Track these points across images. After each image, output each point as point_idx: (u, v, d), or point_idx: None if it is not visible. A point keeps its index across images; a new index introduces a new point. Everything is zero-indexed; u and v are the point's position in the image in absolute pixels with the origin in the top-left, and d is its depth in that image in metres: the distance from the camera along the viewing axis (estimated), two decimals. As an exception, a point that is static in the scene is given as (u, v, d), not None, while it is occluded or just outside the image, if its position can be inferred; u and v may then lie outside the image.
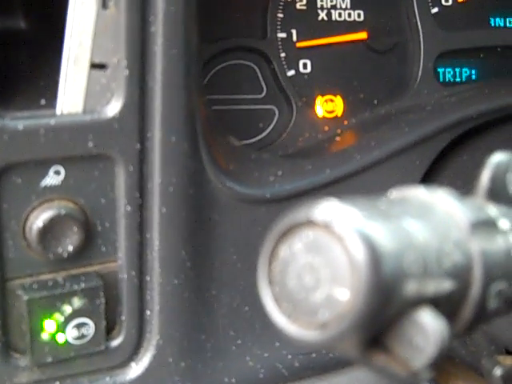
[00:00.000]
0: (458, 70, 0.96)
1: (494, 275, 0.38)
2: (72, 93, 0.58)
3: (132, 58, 0.58)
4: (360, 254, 0.33)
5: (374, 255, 0.33)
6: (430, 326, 0.34)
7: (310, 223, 0.34)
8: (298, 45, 0.89)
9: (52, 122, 0.57)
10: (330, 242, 0.33)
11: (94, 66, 0.58)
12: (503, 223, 0.41)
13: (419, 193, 0.39)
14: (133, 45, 0.58)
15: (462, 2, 0.95)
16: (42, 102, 0.59)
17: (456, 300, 0.37)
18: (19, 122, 0.56)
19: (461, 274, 0.36)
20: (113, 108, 0.59)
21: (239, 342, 0.73)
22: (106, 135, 0.59)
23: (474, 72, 0.97)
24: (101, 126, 0.59)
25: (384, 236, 0.33)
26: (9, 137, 0.56)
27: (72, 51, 0.57)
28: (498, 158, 0.44)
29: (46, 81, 0.62)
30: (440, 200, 0.38)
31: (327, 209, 0.34)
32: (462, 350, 0.80)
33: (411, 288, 0.34)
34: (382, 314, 0.34)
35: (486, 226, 0.39)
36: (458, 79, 0.96)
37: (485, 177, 0.44)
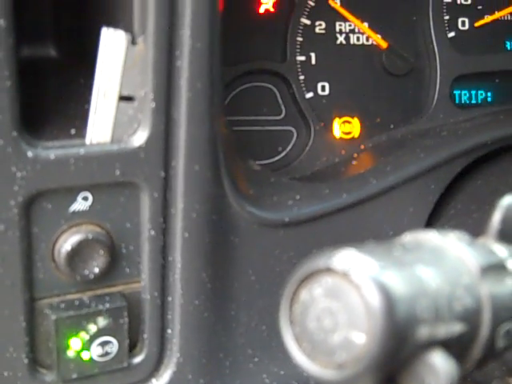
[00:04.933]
0: (473, 92, 0.98)
1: (502, 316, 0.40)
2: (101, 124, 0.61)
3: (158, 91, 0.61)
4: (376, 302, 0.35)
5: (389, 302, 0.35)
6: (441, 368, 0.37)
7: (329, 270, 0.36)
8: (317, 68, 0.91)
9: (82, 151, 0.60)
10: (348, 289, 0.35)
11: (122, 98, 0.60)
12: (512, 264, 0.43)
13: (431, 237, 0.41)
14: (159, 78, 0.60)
15: (478, 26, 0.97)
16: (72, 131, 0.62)
17: (466, 341, 0.39)
18: (51, 151, 0.59)
19: (471, 317, 0.38)
20: (139, 138, 0.62)
21: (256, 359, 0.75)
22: (133, 164, 0.62)
23: (489, 94, 0.99)
24: (127, 155, 0.62)
25: (398, 284, 0.36)
26: (41, 166, 0.59)
27: (102, 85, 0.60)
28: (508, 199, 0.46)
29: (75, 110, 0.65)
30: (451, 245, 0.41)
31: (345, 258, 0.36)
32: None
33: (423, 332, 0.36)
34: (395, 356, 0.36)
35: (496, 268, 0.41)
36: (473, 101, 0.98)
37: (496, 218, 0.46)
